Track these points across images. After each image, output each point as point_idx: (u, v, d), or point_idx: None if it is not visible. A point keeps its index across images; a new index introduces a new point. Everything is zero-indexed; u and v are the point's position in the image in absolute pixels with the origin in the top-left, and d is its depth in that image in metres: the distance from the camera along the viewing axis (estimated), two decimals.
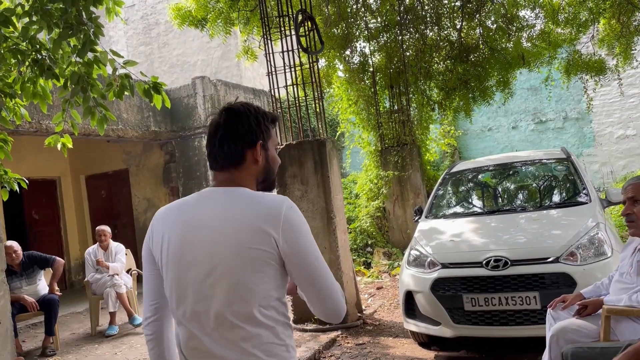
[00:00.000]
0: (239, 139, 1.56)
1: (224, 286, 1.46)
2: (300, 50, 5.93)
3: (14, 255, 5.70)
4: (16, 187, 4.65)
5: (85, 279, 6.72)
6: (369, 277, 7.96)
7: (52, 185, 10.80)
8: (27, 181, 4.79)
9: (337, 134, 11.45)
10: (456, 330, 4.11)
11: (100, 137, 8.68)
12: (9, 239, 6.05)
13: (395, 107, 9.74)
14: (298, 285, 1.53)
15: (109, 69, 4.24)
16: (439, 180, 5.90)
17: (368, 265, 8.60)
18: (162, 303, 1.62)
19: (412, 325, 4.47)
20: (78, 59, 3.91)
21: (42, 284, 6.01)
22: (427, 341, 4.67)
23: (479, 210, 5.34)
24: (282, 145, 5.92)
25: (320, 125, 6.07)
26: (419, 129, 9.83)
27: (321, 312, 1.55)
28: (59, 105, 4.85)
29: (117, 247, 6.73)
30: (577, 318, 3.05)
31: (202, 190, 1.59)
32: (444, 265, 4.23)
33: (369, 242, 9.04)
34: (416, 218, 5.45)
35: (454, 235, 4.62)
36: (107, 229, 6.74)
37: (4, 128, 4.76)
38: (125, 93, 4.27)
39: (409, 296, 4.43)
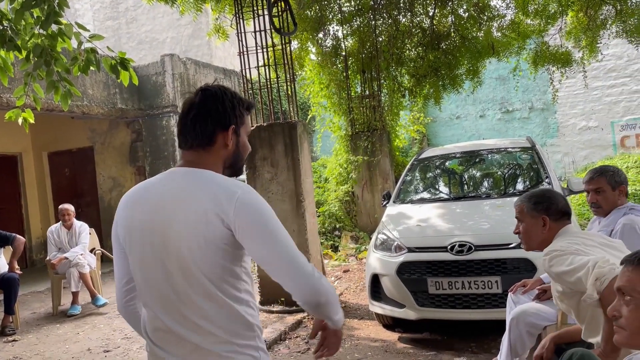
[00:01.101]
0: (211, 120, 1.55)
1: (181, 266, 1.46)
2: (272, 30, 5.86)
3: None
4: None
5: (47, 258, 6.57)
6: (336, 260, 8.04)
7: (13, 161, 10.46)
8: None
9: (308, 117, 11.42)
10: (420, 313, 4.20)
11: (64, 112, 8.43)
12: None
13: (367, 92, 9.77)
14: (265, 267, 1.49)
15: (73, 43, 4.10)
16: (408, 166, 5.97)
17: (336, 249, 8.67)
18: (133, 284, 1.63)
19: (378, 308, 4.55)
20: (41, 30, 3.77)
21: (2, 262, 5.85)
22: (391, 323, 4.76)
23: (446, 197, 5.44)
24: (252, 127, 5.88)
25: (291, 108, 6.04)
26: (389, 115, 9.89)
27: (296, 293, 1.48)
28: (21, 78, 4.69)
29: (80, 226, 6.58)
30: (536, 302, 3.16)
31: (168, 170, 1.60)
32: (410, 250, 4.31)
33: (337, 226, 9.10)
34: (384, 203, 5.51)
35: (421, 220, 4.69)
36: (70, 207, 6.58)
37: None
38: (91, 68, 4.14)
39: (375, 279, 4.50)
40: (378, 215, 9.26)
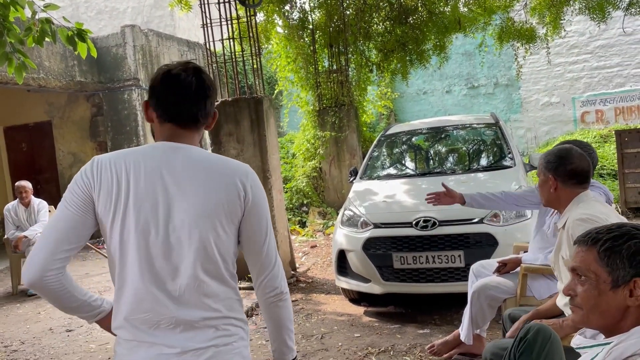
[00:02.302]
0: (211, 101, 1.54)
1: (193, 243, 1.43)
2: (237, 2, 5.71)
3: None
4: None
5: (5, 236, 6.36)
6: (303, 236, 8.07)
7: None
8: None
9: (275, 92, 11.28)
10: (385, 287, 4.27)
11: (19, 85, 8.07)
12: None
13: (334, 67, 9.69)
14: (252, 245, 1.54)
15: (27, 12, 3.90)
16: (374, 142, 5.98)
17: (303, 225, 8.70)
18: (74, 251, 1.46)
19: (344, 283, 4.60)
20: None
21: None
22: (357, 298, 4.83)
23: (411, 172, 5.48)
24: (217, 101, 5.76)
25: (257, 83, 5.94)
26: (357, 90, 9.86)
27: (274, 276, 1.58)
28: None
29: (39, 204, 6.39)
30: (496, 275, 3.24)
31: (159, 143, 1.50)
32: (376, 225, 4.35)
33: (305, 202, 9.11)
34: (351, 179, 5.53)
35: (387, 196, 4.73)
36: (28, 184, 6.37)
37: None
38: (46, 39, 3.96)
39: (342, 255, 4.54)
40: (345, 191, 9.29)
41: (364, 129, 10.46)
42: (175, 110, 1.49)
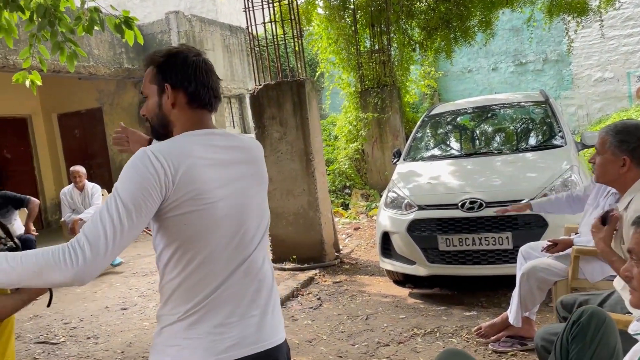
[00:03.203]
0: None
1: (261, 234, 1.50)
2: None
3: None
4: None
5: (62, 219, 6.66)
6: (346, 218, 8.08)
7: (23, 123, 10.50)
8: None
9: (317, 74, 11.25)
10: (430, 269, 4.24)
11: (70, 74, 8.36)
12: None
13: (376, 47, 9.56)
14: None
15: (77, 2, 4.02)
16: (418, 123, 5.90)
17: (346, 207, 8.71)
18: None
19: (388, 265, 4.59)
20: None
21: (18, 224, 5.95)
22: (401, 279, 4.82)
23: (457, 153, 5.38)
24: (260, 85, 5.80)
25: (299, 65, 5.93)
26: (400, 70, 9.71)
27: None
28: (26, 40, 4.63)
29: (92, 188, 6.64)
30: (547, 257, 3.16)
31: (210, 130, 1.46)
32: (421, 207, 4.30)
33: (347, 184, 9.11)
34: (394, 160, 5.48)
35: (431, 177, 4.67)
36: (81, 169, 6.63)
37: None
38: (95, 28, 4.08)
39: (386, 237, 4.52)
40: (388, 173, 9.23)
41: (407, 109, 10.31)
42: (214, 97, 1.47)
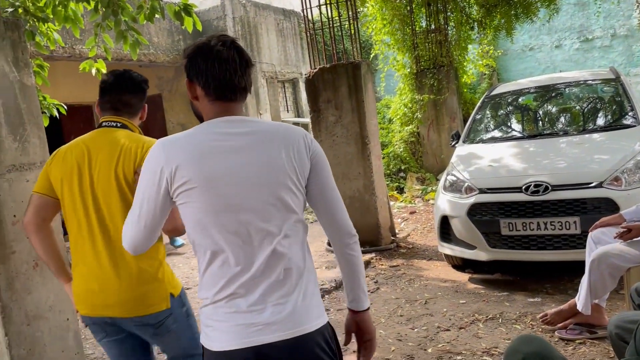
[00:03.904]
0: (250, 70, 1.53)
1: (279, 220, 1.53)
2: None
3: None
4: (55, 113, 4.70)
5: None
6: (401, 201, 7.99)
7: (89, 110, 10.95)
8: (65, 107, 4.83)
9: (371, 56, 11.10)
10: (492, 254, 4.13)
11: (132, 61, 8.64)
12: None
13: (432, 26, 9.31)
14: (319, 199, 1.58)
15: None
16: (478, 104, 5.71)
17: (401, 191, 8.61)
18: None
19: (447, 249, 4.51)
20: None
21: None
22: (461, 264, 4.72)
23: (519, 135, 5.18)
24: (315, 69, 5.79)
25: (354, 48, 5.87)
26: (457, 50, 9.42)
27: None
28: (91, 29, 4.79)
29: None
30: (620, 243, 3.00)
31: (224, 118, 1.48)
32: (482, 191, 4.19)
33: (402, 167, 8.99)
34: (453, 143, 5.35)
35: (493, 160, 4.52)
36: None
37: (39, 53, 4.75)
38: (156, 16, 4.17)
39: (445, 221, 4.44)
40: (445, 156, 9.05)
41: (464, 90, 10.02)
42: (226, 87, 1.47)
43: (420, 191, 8.33)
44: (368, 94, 5.64)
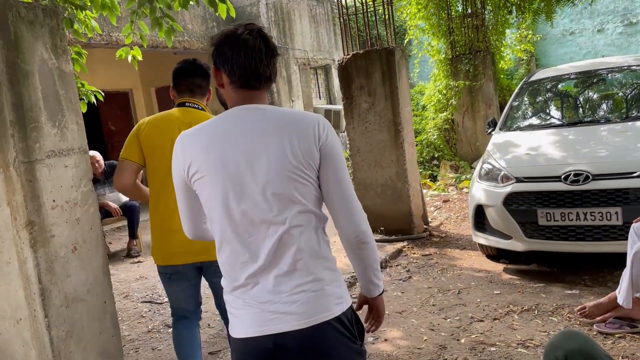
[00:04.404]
0: (276, 59, 1.55)
1: (293, 211, 1.57)
2: None
3: (97, 164, 6.03)
4: (93, 100, 4.80)
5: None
6: (434, 190, 7.89)
7: (125, 97, 11.17)
8: (102, 93, 4.93)
9: (405, 41, 10.92)
10: (528, 245, 4.03)
11: (167, 49, 8.74)
12: (89, 149, 6.36)
13: (469, 10, 9.08)
14: (328, 192, 1.57)
15: None
16: (516, 90, 5.55)
17: (434, 179, 8.49)
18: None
19: (482, 239, 4.43)
20: None
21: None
22: (495, 254, 4.63)
23: (558, 122, 5.03)
24: (348, 55, 5.72)
25: (388, 33, 5.77)
26: (494, 35, 9.16)
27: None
28: (127, 17, 4.85)
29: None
30: None
31: (243, 106, 1.50)
32: (519, 180, 4.08)
33: (436, 155, 8.86)
34: (489, 130, 5.23)
35: (530, 148, 4.40)
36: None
37: (77, 41, 4.84)
38: (190, 3, 4.18)
39: (480, 210, 4.35)
40: (480, 144, 8.87)
41: (501, 76, 9.76)
42: (251, 76, 1.48)
43: (454, 179, 8.20)
44: (402, 81, 5.55)
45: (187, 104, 2.61)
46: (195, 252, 2.41)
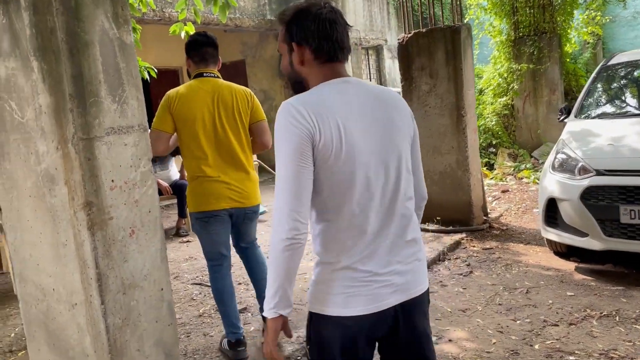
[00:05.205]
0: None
1: (404, 185, 1.57)
2: None
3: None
4: (146, 76, 4.69)
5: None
6: (492, 179, 7.51)
7: (175, 75, 11.18)
8: (155, 70, 4.82)
9: (465, 21, 10.41)
10: (607, 244, 3.69)
11: (218, 26, 8.62)
12: None
13: None
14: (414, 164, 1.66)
15: None
16: (593, 75, 5.13)
17: (491, 167, 8.10)
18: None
19: (552, 234, 4.10)
20: None
21: (174, 170, 6.33)
22: (564, 251, 4.31)
23: None
24: (410, 33, 5.42)
25: (454, 10, 5.43)
26: (562, 15, 8.58)
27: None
28: None
29: None
30: None
31: (343, 79, 1.50)
32: (599, 172, 3.73)
33: (493, 142, 8.43)
34: (561, 117, 4.85)
35: (613, 138, 4.03)
36: None
37: (132, 16, 4.74)
38: None
39: (552, 203, 4.03)
40: (542, 131, 8.40)
41: (567, 60, 9.17)
42: (338, 48, 1.49)
43: (513, 168, 7.79)
44: (467, 62, 5.21)
45: (204, 74, 2.93)
46: (229, 199, 2.86)
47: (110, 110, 2.05)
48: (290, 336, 1.54)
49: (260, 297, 3.11)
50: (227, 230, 2.96)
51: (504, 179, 7.46)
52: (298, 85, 1.56)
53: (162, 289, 2.27)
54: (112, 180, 2.06)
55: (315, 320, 1.50)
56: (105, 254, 2.04)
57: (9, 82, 2.11)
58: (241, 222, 2.96)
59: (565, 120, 4.72)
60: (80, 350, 2.15)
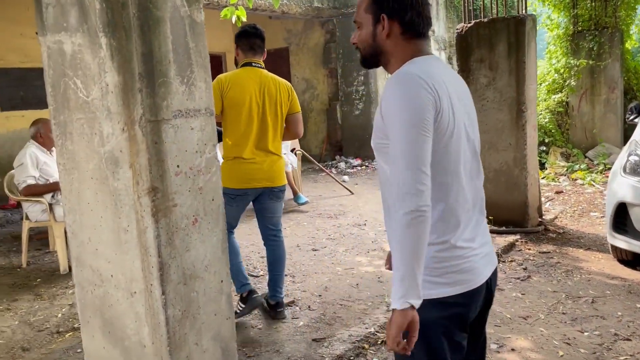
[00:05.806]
0: None
1: (477, 164, 1.57)
2: None
3: None
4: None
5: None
6: (543, 179, 7.20)
7: (219, 60, 11.14)
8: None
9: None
10: None
11: (264, 12, 8.53)
12: None
13: None
14: None
15: None
16: None
17: (542, 166, 7.77)
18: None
19: (621, 241, 3.85)
20: None
21: (218, 157, 6.28)
22: (630, 259, 4.04)
23: None
24: (470, 23, 5.18)
25: (519, 1, 5.15)
26: (625, 10, 8.14)
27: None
28: None
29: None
30: None
31: (434, 56, 1.51)
32: None
33: (546, 140, 8.08)
34: (631, 117, 4.58)
35: None
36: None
37: None
38: None
39: (622, 208, 3.78)
40: (598, 131, 8.02)
41: (628, 57, 8.71)
42: (428, 24, 1.47)
43: (566, 169, 7.45)
44: (530, 55, 4.94)
45: (252, 64, 3.16)
46: (260, 179, 3.16)
47: (178, 91, 1.95)
48: (414, 341, 1.31)
49: (271, 282, 3.45)
50: (244, 208, 3.30)
51: (556, 179, 7.14)
52: (372, 59, 1.52)
53: (221, 281, 2.17)
54: (178, 166, 1.96)
55: (420, 308, 1.30)
56: (168, 242, 1.94)
57: (75, 58, 2.03)
58: (268, 199, 3.25)
59: (636, 121, 4.43)
60: (137, 341, 2.07)
